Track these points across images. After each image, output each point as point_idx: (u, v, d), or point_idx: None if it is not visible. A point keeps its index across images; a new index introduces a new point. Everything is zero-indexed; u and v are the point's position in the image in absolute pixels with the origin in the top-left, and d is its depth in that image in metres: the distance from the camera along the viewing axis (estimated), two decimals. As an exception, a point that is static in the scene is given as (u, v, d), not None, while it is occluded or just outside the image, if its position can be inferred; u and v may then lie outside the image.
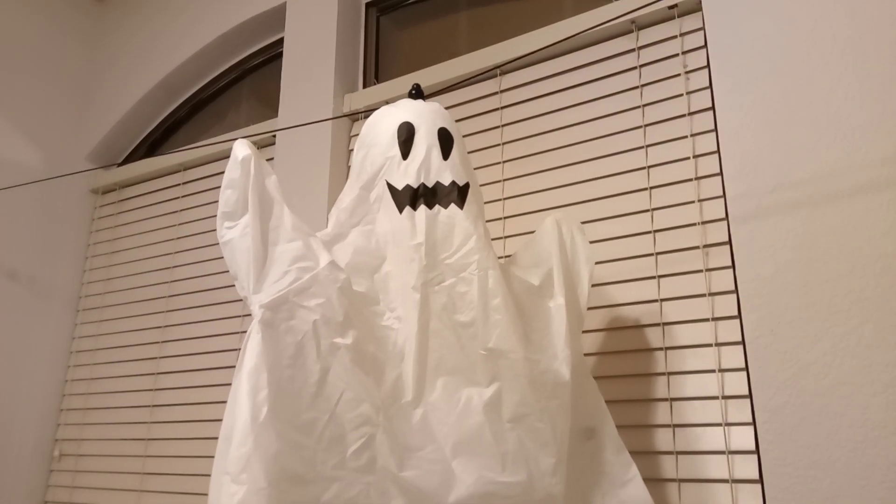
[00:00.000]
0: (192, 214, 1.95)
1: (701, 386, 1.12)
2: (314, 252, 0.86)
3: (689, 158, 1.22)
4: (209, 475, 1.88)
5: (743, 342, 1.07)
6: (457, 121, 1.07)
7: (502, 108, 1.47)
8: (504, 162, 1.43)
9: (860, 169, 1.02)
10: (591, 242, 1.07)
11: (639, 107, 1.30)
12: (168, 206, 2.04)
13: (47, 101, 2.18)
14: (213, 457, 1.84)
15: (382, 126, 1.00)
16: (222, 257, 2.02)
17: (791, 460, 0.98)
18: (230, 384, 1.85)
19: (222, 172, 0.89)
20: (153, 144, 2.27)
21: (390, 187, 0.96)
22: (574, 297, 1.00)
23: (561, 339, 0.93)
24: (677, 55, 1.28)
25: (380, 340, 0.89)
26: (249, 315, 1.85)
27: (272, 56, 1.98)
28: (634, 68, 1.32)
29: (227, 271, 1.92)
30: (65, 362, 2.09)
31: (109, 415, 1.94)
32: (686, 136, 1.23)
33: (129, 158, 2.27)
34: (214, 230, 2.04)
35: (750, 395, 1.05)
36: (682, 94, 1.25)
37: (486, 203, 1.17)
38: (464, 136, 1.06)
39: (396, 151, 0.97)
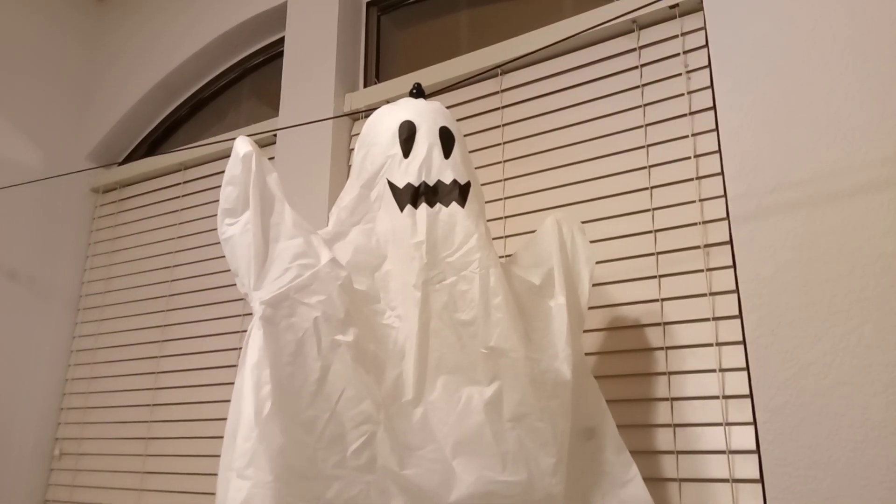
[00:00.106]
0: (193, 214, 1.95)
1: (701, 386, 1.12)
2: (315, 249, 0.86)
3: (689, 158, 1.22)
4: (209, 474, 1.88)
5: (744, 342, 1.07)
6: (457, 120, 1.07)
7: (503, 107, 1.47)
8: (505, 161, 1.43)
9: (860, 169, 1.02)
10: (592, 242, 1.07)
11: (640, 106, 1.30)
12: (168, 205, 2.04)
13: (48, 101, 2.18)
14: (213, 455, 1.84)
15: (383, 125, 1.00)
16: (222, 257, 2.01)
17: (791, 460, 0.98)
18: (230, 383, 1.85)
19: (223, 172, 0.89)
20: (153, 144, 2.27)
21: (391, 186, 0.96)
22: (575, 297, 1.00)
23: (562, 338, 0.93)
24: (678, 55, 1.28)
25: (380, 339, 0.89)
26: (249, 314, 1.85)
27: (273, 55, 1.99)
28: (635, 68, 1.32)
29: (228, 271, 1.92)
30: (65, 361, 2.09)
31: (110, 414, 1.94)
32: (687, 136, 1.23)
33: (130, 158, 2.27)
34: (215, 229, 2.03)
35: (750, 395, 1.05)
36: (682, 94, 1.25)
37: (486, 202, 1.17)
38: (464, 136, 1.06)
39: (398, 150, 0.97)
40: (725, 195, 1.14)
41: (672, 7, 1.29)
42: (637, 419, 1.15)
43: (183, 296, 1.89)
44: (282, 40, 1.86)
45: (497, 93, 1.49)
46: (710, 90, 1.22)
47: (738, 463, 1.06)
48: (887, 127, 1.01)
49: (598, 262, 1.10)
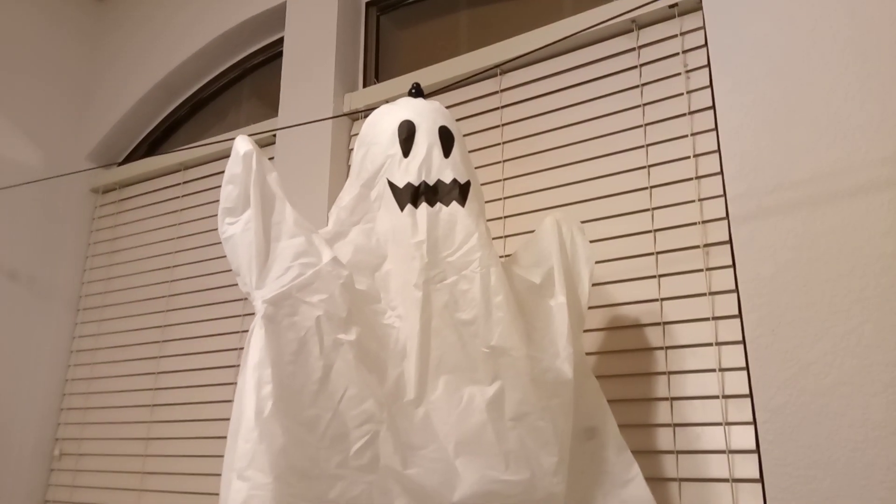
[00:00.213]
0: (193, 214, 1.95)
1: (701, 385, 1.12)
2: (316, 248, 0.86)
3: (689, 158, 1.22)
4: (210, 474, 1.88)
5: (743, 341, 1.07)
6: (457, 120, 1.07)
7: (502, 107, 1.47)
8: (504, 161, 1.43)
9: (860, 169, 1.02)
10: (592, 242, 1.07)
11: (639, 106, 1.30)
12: (168, 205, 2.04)
13: (48, 101, 2.18)
14: (214, 456, 1.84)
15: (383, 124, 1.00)
16: (222, 257, 2.00)
17: (791, 460, 0.98)
18: (230, 383, 1.85)
19: (223, 172, 0.89)
20: (153, 144, 2.27)
21: (391, 185, 0.96)
22: (575, 297, 1.00)
23: (563, 337, 0.93)
24: (678, 54, 1.28)
25: (381, 339, 0.89)
26: (250, 314, 1.85)
27: (272, 55, 1.99)
28: (635, 67, 1.32)
29: (228, 271, 1.92)
30: (65, 362, 2.09)
31: (110, 414, 1.94)
32: (686, 136, 1.23)
33: (130, 158, 2.27)
34: (215, 230, 2.03)
35: (750, 395, 1.05)
36: (682, 94, 1.25)
37: (486, 202, 1.17)
38: (464, 136, 1.06)
39: (397, 149, 0.97)
40: (725, 195, 1.14)
41: (671, 6, 1.29)
42: (637, 419, 1.15)
43: (183, 296, 1.89)
44: (281, 40, 1.86)
45: (496, 92, 1.49)
46: (709, 90, 1.22)
47: (738, 463, 1.06)
48: (887, 127, 1.01)
49: (597, 262, 1.10)
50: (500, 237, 1.37)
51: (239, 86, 2.12)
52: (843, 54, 1.06)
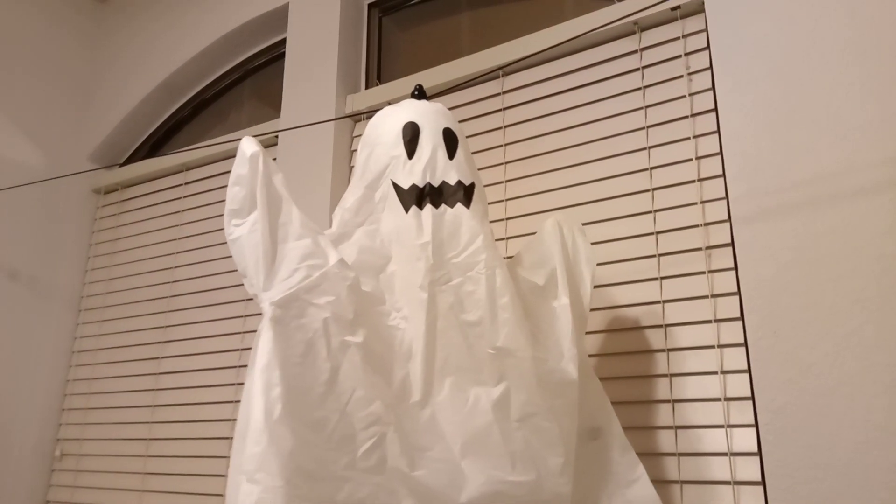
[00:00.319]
0: (194, 215, 1.95)
1: (703, 387, 1.12)
2: (323, 250, 0.86)
3: (691, 160, 1.22)
4: (211, 475, 1.88)
5: (745, 344, 1.07)
6: (459, 122, 1.07)
7: (505, 109, 1.47)
8: (506, 163, 1.43)
9: (861, 169, 1.02)
10: (594, 244, 1.07)
11: (641, 108, 1.30)
12: (170, 206, 2.04)
13: (49, 101, 2.18)
14: (215, 456, 1.84)
15: (387, 126, 1.01)
16: (224, 258, 2.01)
17: (793, 462, 0.98)
18: (231, 384, 1.85)
19: (225, 173, 0.89)
20: (155, 145, 2.27)
21: (396, 187, 0.96)
22: (577, 298, 1.00)
23: (567, 338, 0.93)
24: (680, 57, 1.28)
25: (386, 340, 0.89)
26: (251, 315, 1.84)
27: (274, 56, 1.99)
28: (637, 70, 1.33)
29: (229, 272, 1.92)
30: (66, 362, 2.09)
31: (111, 414, 1.94)
32: (689, 138, 1.23)
33: (132, 159, 2.28)
34: (217, 231, 2.03)
35: (752, 397, 1.06)
36: (684, 96, 1.26)
37: (488, 204, 1.17)
38: (466, 137, 1.07)
39: (402, 151, 0.97)
40: (727, 197, 1.15)
41: (673, 9, 1.29)
42: (638, 421, 1.16)
43: (184, 297, 1.89)
44: (283, 41, 1.86)
45: (499, 94, 1.49)
46: (711, 92, 1.22)
47: (740, 465, 1.06)
48: (888, 127, 1.01)
49: (599, 264, 1.10)
50: (503, 239, 1.38)
51: (241, 87, 2.12)
52: (843, 54, 1.07)
